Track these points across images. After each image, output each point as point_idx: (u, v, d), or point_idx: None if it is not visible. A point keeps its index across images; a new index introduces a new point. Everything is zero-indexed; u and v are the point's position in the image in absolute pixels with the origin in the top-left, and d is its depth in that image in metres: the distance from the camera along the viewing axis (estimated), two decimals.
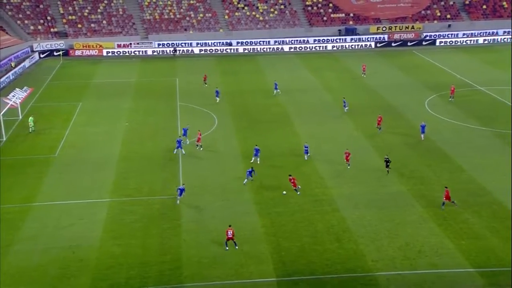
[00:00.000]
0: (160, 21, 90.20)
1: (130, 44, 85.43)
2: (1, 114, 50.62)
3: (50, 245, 33.24)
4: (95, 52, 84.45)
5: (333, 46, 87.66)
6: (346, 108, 55.97)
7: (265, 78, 70.69)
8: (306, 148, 44.71)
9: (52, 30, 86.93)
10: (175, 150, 45.92)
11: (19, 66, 74.79)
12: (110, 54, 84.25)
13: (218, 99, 59.33)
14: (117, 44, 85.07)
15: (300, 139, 49.32)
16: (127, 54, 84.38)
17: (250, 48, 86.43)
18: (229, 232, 32.56)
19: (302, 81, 69.01)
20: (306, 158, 44.15)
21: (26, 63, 77.31)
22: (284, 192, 39.12)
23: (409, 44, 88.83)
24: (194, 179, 41.66)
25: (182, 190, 37.87)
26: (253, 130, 52.07)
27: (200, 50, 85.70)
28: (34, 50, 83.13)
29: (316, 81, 68.74)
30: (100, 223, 35.65)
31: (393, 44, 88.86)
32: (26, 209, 37.26)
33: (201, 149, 46.81)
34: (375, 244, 33.12)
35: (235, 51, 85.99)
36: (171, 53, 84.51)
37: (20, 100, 59.55)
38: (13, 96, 60.68)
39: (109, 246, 33.20)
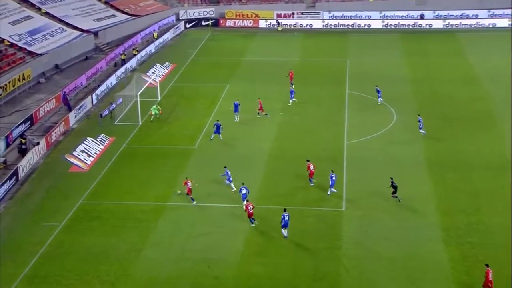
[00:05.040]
0: None
1: (293, 14, 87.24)
2: (138, 94, 54.70)
3: (183, 254, 35.25)
4: (250, 22, 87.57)
5: None
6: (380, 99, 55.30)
7: (466, 62, 67.65)
8: (333, 180, 40.97)
9: None
10: (213, 136, 49.12)
11: (161, 37, 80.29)
12: (267, 26, 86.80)
13: (293, 100, 56.54)
14: (277, 14, 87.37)
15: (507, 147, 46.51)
16: (288, 26, 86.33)
17: (449, 23, 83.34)
18: (249, 207, 36.46)
19: None
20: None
21: (170, 34, 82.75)
22: (179, 192, 40.77)
23: None
24: (361, 188, 41.45)
25: None
26: (444, 131, 50.14)
27: (382, 24, 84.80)
28: (180, 18, 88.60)
29: None
30: (242, 234, 36.92)
31: None
32: (160, 209, 39.92)
33: (268, 115, 52.45)
34: None
35: (427, 26, 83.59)
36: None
37: (160, 78, 63.96)
38: (153, 73, 65.38)
39: (251, 264, 34.23)
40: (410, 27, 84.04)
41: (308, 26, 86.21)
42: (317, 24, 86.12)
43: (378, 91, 56.42)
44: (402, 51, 73.34)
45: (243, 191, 39.62)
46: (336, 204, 39.65)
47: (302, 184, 42.46)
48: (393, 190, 39.68)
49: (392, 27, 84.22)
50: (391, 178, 40.22)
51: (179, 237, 36.88)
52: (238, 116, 52.94)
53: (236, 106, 53.13)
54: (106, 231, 37.74)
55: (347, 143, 48.65)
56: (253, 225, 37.23)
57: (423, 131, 48.69)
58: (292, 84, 60.30)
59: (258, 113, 53.63)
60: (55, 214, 39.54)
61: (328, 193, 40.88)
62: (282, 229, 36.21)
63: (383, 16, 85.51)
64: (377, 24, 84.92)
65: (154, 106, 54.66)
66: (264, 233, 36.92)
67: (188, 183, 40.31)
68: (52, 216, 39.33)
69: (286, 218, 36.11)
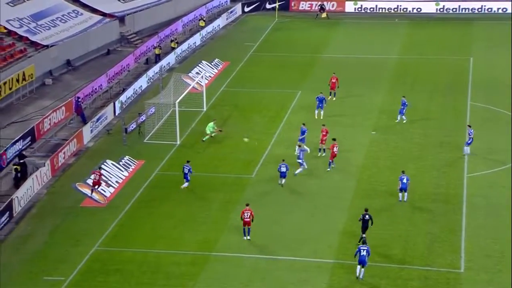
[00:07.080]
0: None
1: None
2: (177, 102, 54.99)
3: None
4: (332, 5, 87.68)
5: None
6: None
7: None
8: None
9: None
10: (281, 180, 47.49)
11: (210, 25, 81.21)
12: (357, 10, 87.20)
13: (321, 109, 56.70)
14: None
15: None
16: (386, 11, 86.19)
17: None
18: (245, 214, 40.04)
19: None
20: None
21: (221, 21, 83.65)
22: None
23: None
24: (488, 241, 40.64)
25: None
26: None
27: None
28: None
29: None
30: None
31: None
32: (202, 260, 39.83)
33: (324, 154, 51.13)
34: None
35: None
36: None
37: (207, 81, 64.39)
38: (198, 73, 65.99)
39: None
40: None
41: (415, 11, 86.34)
42: (429, 7, 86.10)
43: (403, 104, 56.01)
44: None
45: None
46: (452, 263, 38.91)
47: (403, 231, 42.01)
48: (362, 229, 39.69)
49: None
50: (366, 210, 40.15)
51: None
52: (304, 146, 51.14)
53: (303, 133, 51.88)
54: None
55: (467, 176, 48.10)
56: (245, 238, 41.04)
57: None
58: (334, 94, 60.20)
59: (320, 149, 51.74)
60: (61, 264, 39.84)
61: (399, 199, 44.65)
62: (359, 266, 37.20)
63: None
64: None
65: (211, 124, 54.34)
66: None
67: (96, 174, 46.45)
68: (56, 267, 39.62)
69: (364, 252, 36.88)
